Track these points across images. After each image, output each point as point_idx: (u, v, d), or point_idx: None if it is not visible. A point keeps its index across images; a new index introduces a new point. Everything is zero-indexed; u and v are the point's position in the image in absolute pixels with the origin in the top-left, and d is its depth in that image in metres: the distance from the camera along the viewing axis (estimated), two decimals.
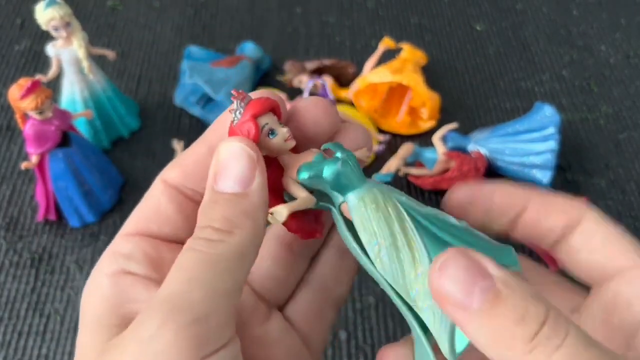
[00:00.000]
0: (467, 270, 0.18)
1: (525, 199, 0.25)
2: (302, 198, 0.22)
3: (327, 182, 0.22)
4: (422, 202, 0.24)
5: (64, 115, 0.53)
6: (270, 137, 0.22)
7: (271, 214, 0.22)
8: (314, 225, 0.24)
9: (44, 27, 0.55)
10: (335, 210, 0.23)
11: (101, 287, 0.21)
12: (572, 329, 0.17)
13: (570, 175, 0.63)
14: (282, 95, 0.24)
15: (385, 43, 0.69)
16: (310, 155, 0.23)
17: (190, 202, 0.23)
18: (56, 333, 0.50)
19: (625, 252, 0.23)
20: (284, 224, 0.22)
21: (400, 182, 0.61)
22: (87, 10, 0.78)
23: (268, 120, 0.22)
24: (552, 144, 0.57)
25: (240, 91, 0.23)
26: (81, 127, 0.60)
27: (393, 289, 0.22)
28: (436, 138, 0.60)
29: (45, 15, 0.54)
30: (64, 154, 0.53)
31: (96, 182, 0.56)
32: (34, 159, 0.52)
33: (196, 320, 0.18)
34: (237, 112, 0.22)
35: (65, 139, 0.54)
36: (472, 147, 0.60)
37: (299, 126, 0.23)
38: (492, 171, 0.60)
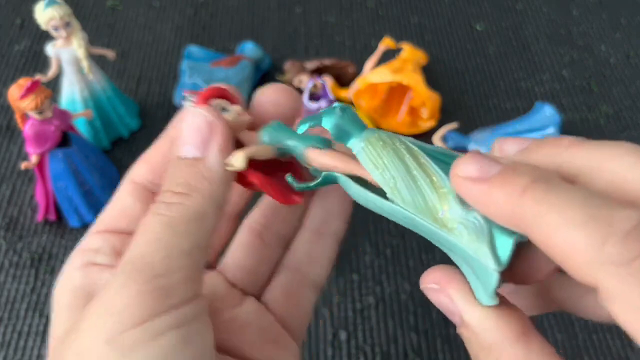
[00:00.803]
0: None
1: (569, 159, 0.22)
2: (261, 145, 0.23)
3: (329, 131, 0.22)
4: None
5: (63, 115, 0.53)
6: (224, 113, 0.22)
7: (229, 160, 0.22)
8: (290, 188, 0.24)
9: (43, 27, 0.55)
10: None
11: (71, 279, 0.22)
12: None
13: None
14: (290, 91, 0.25)
15: (386, 43, 0.69)
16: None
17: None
18: None
19: None
20: (257, 184, 0.22)
21: None
22: (86, 10, 0.78)
23: (218, 102, 0.23)
24: None
25: (190, 91, 0.23)
26: (81, 127, 0.60)
27: (421, 220, 0.20)
28: (436, 138, 0.60)
29: (44, 15, 0.54)
30: (63, 154, 0.53)
31: (96, 182, 0.56)
32: (34, 159, 0.52)
33: (157, 276, 0.19)
34: (187, 102, 0.23)
35: (65, 139, 0.54)
36: (472, 147, 0.60)
37: (260, 113, 0.24)
38: None
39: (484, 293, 0.19)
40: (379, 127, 0.65)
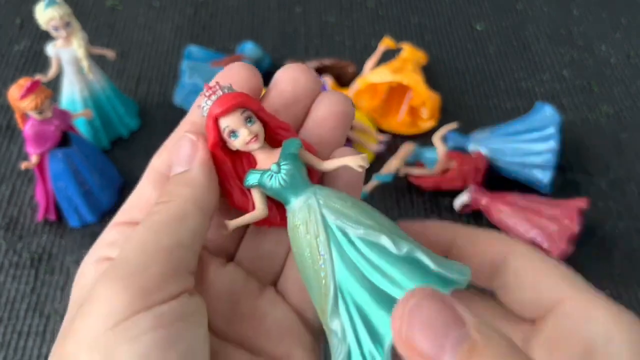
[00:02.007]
0: (438, 318, 0.16)
1: (452, 235, 0.25)
2: (252, 214, 0.24)
3: (267, 191, 0.23)
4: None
5: (63, 115, 0.53)
6: (232, 138, 0.23)
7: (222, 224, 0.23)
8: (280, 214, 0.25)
9: (43, 26, 0.55)
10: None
11: (85, 275, 0.22)
12: (613, 345, 0.17)
13: (571, 175, 0.63)
14: (310, 71, 0.25)
15: (386, 43, 0.69)
16: (272, 160, 0.23)
17: None
18: (56, 333, 0.50)
19: (555, 285, 0.23)
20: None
21: (401, 183, 0.61)
22: (86, 9, 0.78)
23: (229, 122, 0.23)
24: (553, 144, 0.57)
25: (213, 85, 0.23)
26: (81, 127, 0.60)
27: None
28: (436, 138, 0.60)
29: (45, 15, 0.53)
30: (63, 154, 0.53)
31: (96, 182, 0.56)
32: (34, 159, 0.52)
33: (133, 273, 0.20)
34: (204, 109, 0.23)
35: (65, 139, 0.54)
36: (472, 147, 0.60)
37: (279, 93, 0.25)
38: (493, 171, 0.60)
39: None
40: (379, 127, 0.66)
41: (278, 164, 0.23)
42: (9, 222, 0.57)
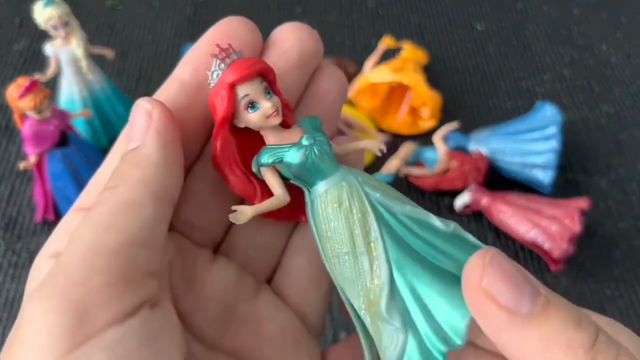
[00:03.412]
0: (515, 272, 0.16)
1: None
2: (271, 200, 0.20)
3: (290, 170, 0.20)
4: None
5: (62, 115, 0.53)
6: (250, 111, 0.20)
7: (234, 211, 0.20)
8: (297, 207, 0.22)
9: (42, 26, 0.54)
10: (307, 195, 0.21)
11: (39, 271, 0.19)
12: (623, 338, 0.16)
13: (571, 175, 0.62)
14: (312, 30, 0.22)
15: (386, 42, 0.69)
16: (295, 135, 0.20)
17: None
18: None
19: None
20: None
21: (401, 183, 0.61)
22: (86, 9, 0.78)
23: (249, 90, 0.19)
24: (554, 144, 0.57)
25: (226, 47, 0.20)
26: (80, 126, 0.60)
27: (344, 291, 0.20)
28: (437, 138, 0.59)
29: (43, 14, 0.53)
30: (62, 154, 0.53)
31: None
32: (33, 158, 0.52)
33: (69, 287, 0.16)
34: (215, 74, 0.20)
35: (64, 138, 0.53)
36: (473, 146, 0.60)
37: (283, 53, 0.21)
38: (493, 171, 0.59)
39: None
40: (379, 127, 0.65)
41: (313, 137, 0.20)
42: (8, 222, 0.57)
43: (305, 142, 0.20)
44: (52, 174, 0.54)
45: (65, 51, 0.56)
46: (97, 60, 0.61)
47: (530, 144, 0.58)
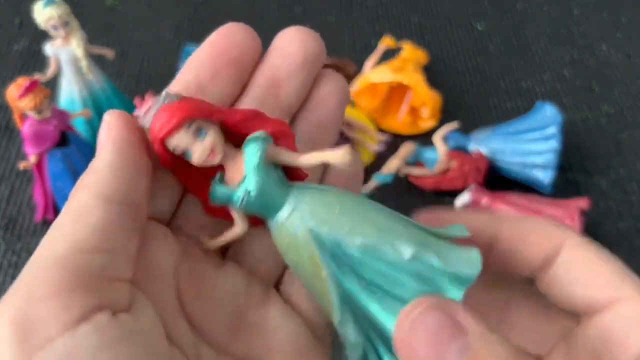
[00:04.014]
0: (440, 328, 0.16)
1: (493, 228, 0.22)
2: (232, 230, 0.21)
3: (241, 210, 0.20)
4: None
5: (62, 115, 0.53)
6: (188, 157, 0.20)
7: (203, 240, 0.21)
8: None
9: (42, 26, 0.54)
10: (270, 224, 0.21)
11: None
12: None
13: (571, 175, 0.62)
14: (315, 34, 0.22)
15: (386, 42, 0.69)
16: (239, 175, 0.20)
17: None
18: None
19: (612, 282, 0.20)
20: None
21: (401, 183, 0.60)
22: (85, 9, 0.78)
23: (177, 142, 0.19)
24: (554, 144, 0.57)
25: (144, 99, 0.20)
26: (80, 126, 0.60)
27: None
28: (437, 138, 0.59)
29: (43, 14, 0.53)
30: (62, 154, 0.53)
31: None
32: (32, 158, 0.52)
33: (17, 302, 0.16)
34: (145, 120, 0.20)
35: (64, 139, 0.53)
36: (473, 146, 0.60)
37: (285, 57, 0.21)
38: (493, 171, 0.59)
39: None
40: (379, 127, 0.65)
41: (245, 187, 0.19)
42: (8, 222, 0.57)
43: (239, 192, 0.20)
44: (52, 174, 0.54)
45: (65, 51, 0.56)
46: (97, 60, 0.61)
47: (530, 144, 0.58)
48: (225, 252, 0.23)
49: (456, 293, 0.18)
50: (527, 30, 0.78)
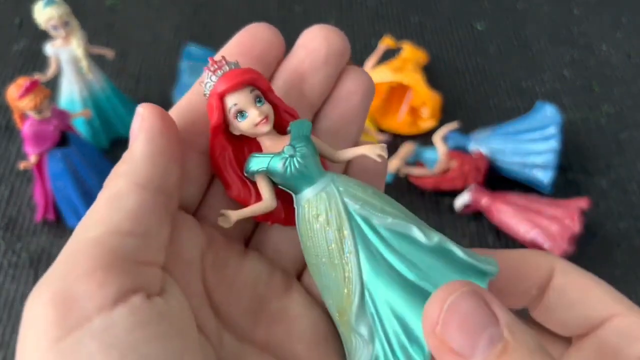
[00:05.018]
0: (475, 314, 0.16)
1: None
2: (258, 205, 0.21)
3: (274, 179, 0.21)
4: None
5: (62, 115, 0.53)
6: (239, 119, 0.20)
7: (222, 214, 0.21)
8: (292, 212, 0.22)
9: (42, 26, 0.54)
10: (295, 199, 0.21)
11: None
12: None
13: (571, 175, 0.62)
14: (340, 32, 0.23)
15: (386, 42, 0.69)
16: (283, 144, 0.21)
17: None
18: None
19: (604, 301, 0.21)
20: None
21: (401, 183, 0.60)
22: (85, 9, 0.78)
23: (238, 100, 0.20)
24: (554, 144, 0.57)
25: (219, 59, 0.21)
26: (80, 127, 0.60)
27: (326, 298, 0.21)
28: (437, 138, 0.59)
29: (43, 15, 0.53)
30: (62, 154, 0.53)
31: (95, 182, 0.56)
32: (33, 158, 0.52)
33: (57, 280, 0.16)
34: (207, 86, 0.21)
35: (64, 139, 0.53)
36: (473, 146, 0.60)
37: (309, 53, 0.22)
38: (493, 171, 0.59)
39: None
40: (379, 127, 0.65)
41: (292, 146, 0.20)
42: (8, 222, 0.57)
43: (285, 153, 0.20)
44: (52, 174, 0.54)
45: (66, 51, 0.56)
46: (97, 60, 0.61)
47: (530, 144, 0.58)
48: (248, 242, 0.23)
49: (480, 284, 0.18)
50: (527, 30, 0.78)
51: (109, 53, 0.60)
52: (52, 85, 0.60)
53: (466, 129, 0.62)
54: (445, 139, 0.60)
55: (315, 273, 0.20)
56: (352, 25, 0.78)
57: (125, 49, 0.73)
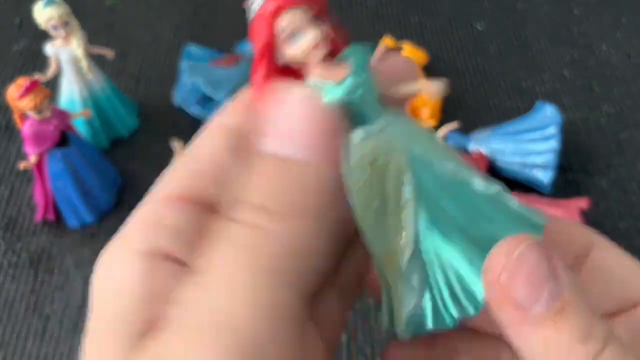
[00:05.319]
0: (540, 267, 0.16)
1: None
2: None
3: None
4: None
5: (62, 115, 0.53)
6: (292, 44, 0.18)
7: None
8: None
9: (42, 26, 0.54)
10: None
11: (130, 271, 0.15)
12: (630, 357, 0.16)
13: (571, 175, 0.62)
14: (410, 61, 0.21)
15: (386, 42, 0.69)
16: (344, 70, 0.18)
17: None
18: (55, 334, 0.50)
19: None
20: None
21: None
22: (85, 9, 0.78)
23: (291, 21, 0.17)
24: (554, 144, 0.57)
25: None
26: (80, 127, 0.60)
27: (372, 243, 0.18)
28: None
29: (43, 15, 0.53)
30: (62, 154, 0.53)
31: (95, 182, 0.56)
32: (33, 158, 0.52)
33: (246, 346, 0.13)
34: (254, 6, 0.18)
35: (64, 139, 0.53)
36: (473, 146, 0.60)
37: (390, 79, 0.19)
38: (493, 171, 0.59)
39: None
40: None
41: (355, 76, 0.17)
42: (8, 222, 0.57)
43: (347, 83, 0.17)
44: (52, 174, 0.54)
45: (66, 51, 0.57)
46: (97, 60, 0.61)
47: (530, 144, 0.58)
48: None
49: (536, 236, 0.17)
50: (527, 30, 0.78)
51: (109, 53, 0.60)
52: (52, 85, 0.60)
53: (466, 129, 0.62)
54: (445, 139, 0.60)
55: (362, 219, 0.18)
56: (352, 25, 0.78)
57: (125, 49, 0.73)
